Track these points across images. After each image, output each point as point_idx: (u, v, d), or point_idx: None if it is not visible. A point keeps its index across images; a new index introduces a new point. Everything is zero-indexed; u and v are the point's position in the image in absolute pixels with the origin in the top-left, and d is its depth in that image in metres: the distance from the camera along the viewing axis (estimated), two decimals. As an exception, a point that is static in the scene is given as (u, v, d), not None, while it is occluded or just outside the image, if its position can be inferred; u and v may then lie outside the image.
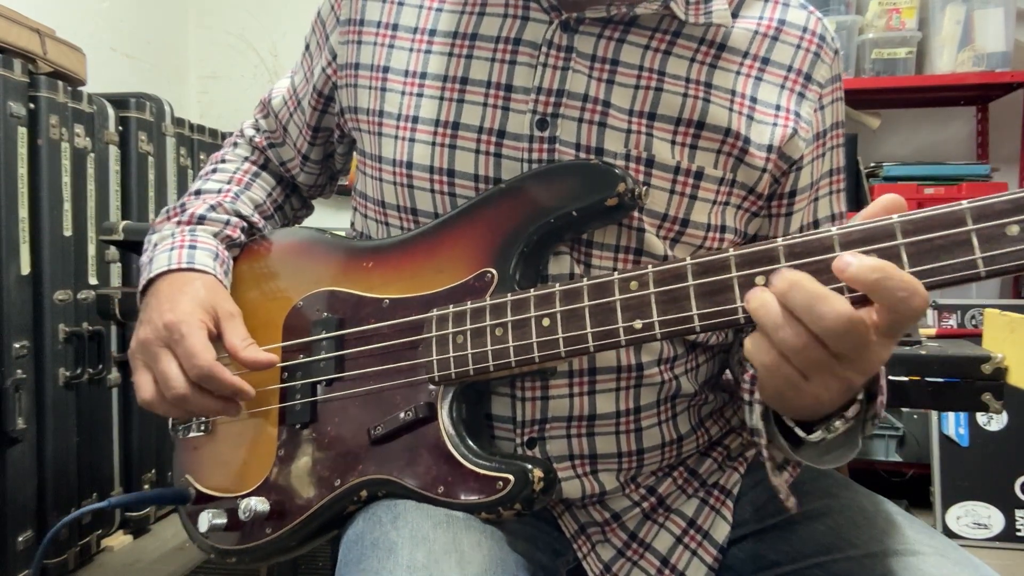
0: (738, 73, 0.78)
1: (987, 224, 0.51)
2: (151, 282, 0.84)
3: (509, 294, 0.68)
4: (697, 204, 0.77)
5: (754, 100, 0.77)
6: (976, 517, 2.25)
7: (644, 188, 0.72)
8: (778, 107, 0.78)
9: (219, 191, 0.94)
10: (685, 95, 0.76)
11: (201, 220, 0.89)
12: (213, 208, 0.90)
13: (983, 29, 2.45)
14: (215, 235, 0.89)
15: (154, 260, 0.85)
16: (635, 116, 0.75)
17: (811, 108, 0.79)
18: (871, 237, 0.54)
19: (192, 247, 0.85)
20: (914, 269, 0.53)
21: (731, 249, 0.59)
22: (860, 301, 0.54)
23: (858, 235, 0.55)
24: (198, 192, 0.94)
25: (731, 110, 0.76)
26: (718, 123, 0.76)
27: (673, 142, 0.76)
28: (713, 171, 0.76)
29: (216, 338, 0.79)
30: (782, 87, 0.78)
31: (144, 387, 0.79)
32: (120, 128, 2.24)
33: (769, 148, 0.77)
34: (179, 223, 0.89)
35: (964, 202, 0.52)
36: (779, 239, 0.57)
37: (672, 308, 0.61)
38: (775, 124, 0.77)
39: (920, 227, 0.53)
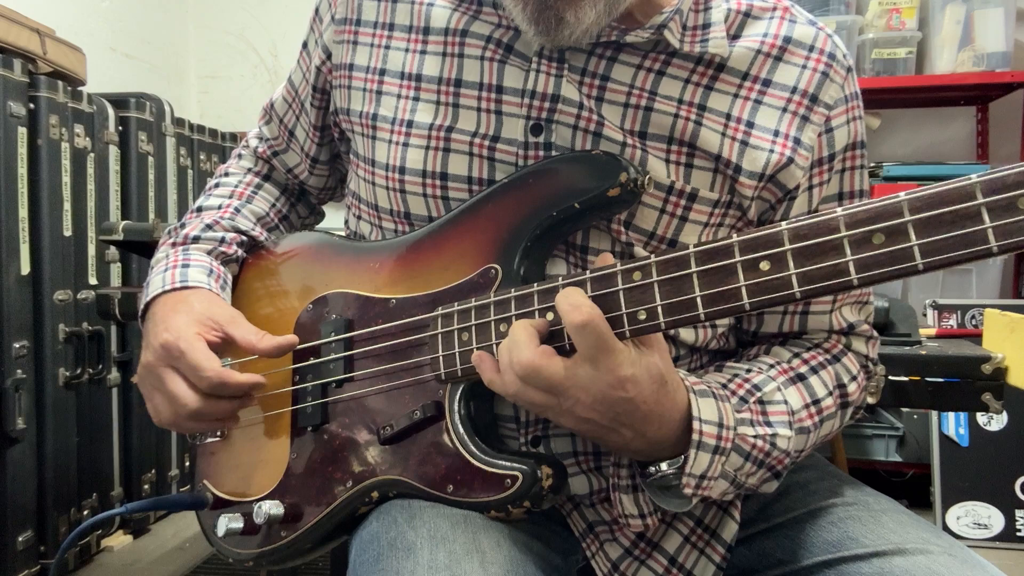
0: (736, 96, 0.75)
1: (998, 197, 0.49)
2: (148, 306, 0.85)
3: (513, 289, 0.68)
4: (687, 226, 0.76)
5: (750, 125, 0.75)
6: (976, 517, 2.25)
7: (647, 177, 0.71)
8: (776, 132, 0.75)
9: (219, 207, 0.94)
10: (676, 116, 0.74)
11: (195, 240, 0.90)
12: (209, 227, 0.91)
13: (983, 29, 2.45)
14: (209, 252, 0.89)
15: (150, 283, 0.86)
16: (628, 133, 0.74)
17: (815, 132, 0.75)
18: (878, 216, 0.53)
19: (185, 266, 0.86)
20: (923, 244, 0.51)
21: (735, 234, 0.58)
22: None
23: (864, 215, 0.53)
24: (199, 209, 0.94)
25: (724, 135, 0.74)
26: (709, 148, 0.74)
27: (667, 160, 0.75)
28: (708, 193, 0.75)
29: (221, 346, 0.79)
30: (784, 110, 0.75)
31: (158, 410, 0.80)
32: (120, 128, 2.24)
33: (761, 176, 0.75)
34: (174, 244, 0.90)
35: (973, 176, 0.50)
36: (783, 223, 0.57)
37: (676, 296, 0.60)
38: (771, 151, 0.74)
39: (928, 203, 0.51)
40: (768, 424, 0.69)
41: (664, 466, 0.66)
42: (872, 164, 2.61)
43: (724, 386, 0.71)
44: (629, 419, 0.63)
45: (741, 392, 0.71)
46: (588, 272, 0.64)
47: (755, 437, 0.68)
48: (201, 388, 0.76)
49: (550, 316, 0.64)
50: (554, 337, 0.65)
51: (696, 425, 0.64)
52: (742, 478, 0.68)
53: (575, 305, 0.60)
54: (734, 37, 0.76)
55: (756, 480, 0.70)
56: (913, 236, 0.52)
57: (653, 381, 0.62)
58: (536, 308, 0.66)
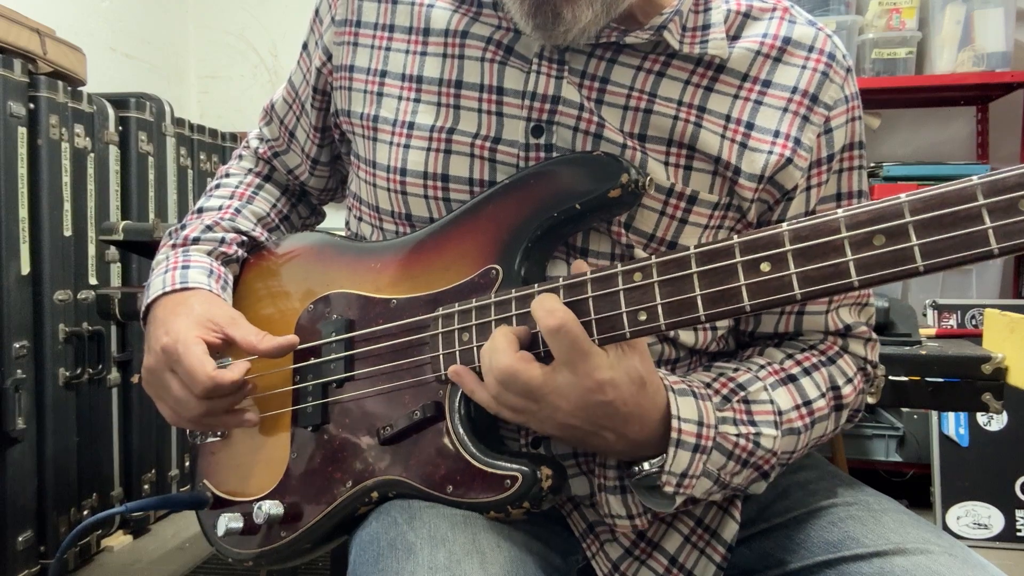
0: (736, 97, 0.75)
1: (999, 198, 0.49)
2: (150, 308, 0.85)
3: (513, 290, 0.68)
4: (687, 228, 0.76)
5: (750, 126, 0.75)
6: (976, 517, 2.25)
7: (647, 178, 0.71)
8: (776, 133, 0.75)
9: (220, 208, 0.94)
10: (676, 118, 0.74)
11: (195, 241, 0.90)
12: (209, 228, 0.91)
13: (983, 29, 2.45)
14: (209, 253, 0.89)
15: (150, 286, 0.86)
16: (627, 136, 0.74)
17: (814, 133, 0.75)
18: (879, 217, 0.53)
19: (185, 267, 0.86)
20: (923, 245, 0.51)
21: (735, 235, 0.58)
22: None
23: (865, 216, 0.54)
24: (200, 210, 0.94)
25: (723, 137, 0.74)
26: (708, 150, 0.74)
27: (667, 163, 0.74)
28: (708, 196, 0.75)
29: (222, 347, 0.79)
30: (784, 110, 0.75)
31: (172, 412, 0.80)
32: (120, 128, 2.24)
33: (760, 178, 0.75)
34: (174, 246, 0.90)
35: (975, 177, 0.50)
36: (784, 224, 0.57)
37: (676, 296, 0.60)
38: (770, 152, 0.74)
39: (929, 205, 0.51)
40: (752, 423, 0.69)
41: (646, 465, 0.67)
42: (872, 164, 2.61)
43: (708, 385, 0.71)
44: (610, 422, 0.63)
45: (724, 391, 0.71)
46: (589, 273, 0.64)
47: (737, 436, 0.68)
48: (196, 394, 0.76)
49: None
50: (535, 343, 0.65)
51: (675, 423, 0.65)
52: (726, 477, 0.69)
53: (549, 310, 0.61)
54: (734, 38, 0.76)
55: (742, 480, 0.70)
56: (914, 237, 0.52)
57: (632, 383, 0.63)
58: None
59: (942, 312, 2.46)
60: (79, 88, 2.08)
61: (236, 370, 0.77)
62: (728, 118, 0.75)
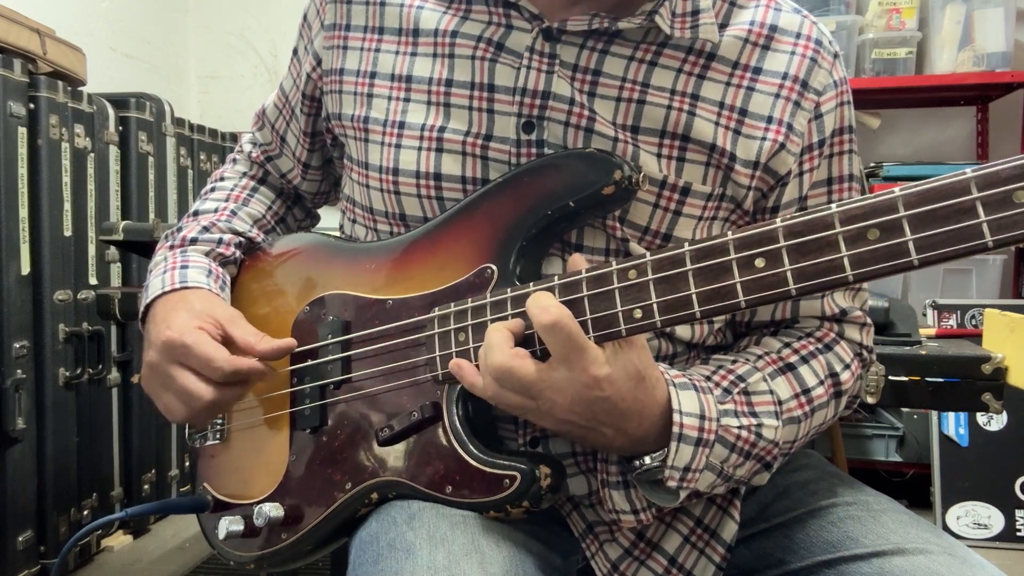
0: (728, 84, 0.75)
1: (993, 191, 0.49)
2: (148, 308, 0.85)
3: (509, 289, 0.68)
4: (681, 220, 0.76)
5: (743, 113, 0.75)
6: (976, 517, 2.25)
7: (641, 175, 0.71)
8: (769, 119, 0.75)
9: (215, 211, 0.94)
10: (669, 107, 0.74)
11: (193, 242, 0.90)
12: (206, 229, 0.91)
13: (983, 29, 2.45)
14: (207, 254, 0.89)
15: (149, 286, 0.86)
16: (619, 128, 0.74)
17: (805, 118, 0.76)
18: (873, 211, 0.53)
19: (184, 267, 0.86)
20: (918, 239, 0.51)
21: (729, 232, 0.58)
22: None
23: (859, 211, 0.53)
24: (195, 213, 0.95)
25: (717, 124, 0.75)
26: (703, 137, 0.74)
27: (659, 155, 0.75)
28: (701, 187, 0.75)
29: (221, 342, 0.79)
30: (776, 96, 0.75)
31: (170, 409, 0.79)
32: (120, 128, 2.24)
33: (755, 165, 0.75)
34: (172, 247, 0.90)
35: (968, 170, 0.50)
36: (778, 219, 0.57)
37: (671, 294, 0.60)
38: (763, 138, 0.75)
39: (923, 199, 0.51)
40: (753, 415, 0.69)
41: (648, 459, 0.67)
42: (872, 164, 2.61)
43: (708, 378, 0.71)
44: (608, 418, 0.63)
45: (725, 384, 0.71)
46: (583, 271, 0.64)
47: (739, 428, 0.68)
48: (216, 379, 0.76)
49: None
50: (531, 341, 0.65)
51: (676, 418, 0.65)
52: (729, 470, 0.69)
53: (543, 307, 0.61)
54: (721, 26, 0.76)
55: (745, 472, 0.70)
56: (908, 231, 0.52)
57: (630, 378, 0.63)
58: None
59: (942, 312, 2.46)
60: (79, 88, 2.08)
61: (253, 359, 0.77)
62: (722, 105, 0.75)
